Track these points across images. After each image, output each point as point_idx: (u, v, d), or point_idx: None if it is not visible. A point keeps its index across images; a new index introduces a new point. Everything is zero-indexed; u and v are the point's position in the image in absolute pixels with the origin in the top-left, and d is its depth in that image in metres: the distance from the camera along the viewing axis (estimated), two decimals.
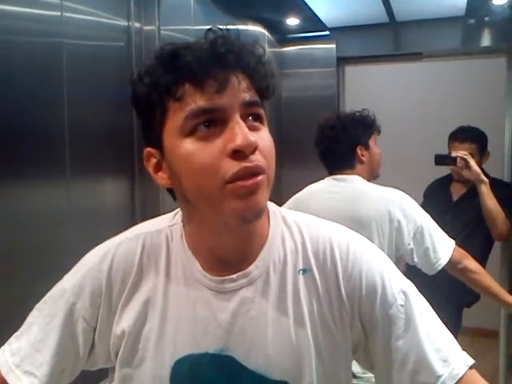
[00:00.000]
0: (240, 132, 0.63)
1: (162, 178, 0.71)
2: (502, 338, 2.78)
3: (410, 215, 1.66)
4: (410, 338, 0.71)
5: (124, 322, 0.74)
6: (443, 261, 1.66)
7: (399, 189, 1.76)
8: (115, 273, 0.75)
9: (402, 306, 0.72)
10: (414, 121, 3.60)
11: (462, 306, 2.49)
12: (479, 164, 2.34)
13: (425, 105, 3.65)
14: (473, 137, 2.45)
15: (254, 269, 0.72)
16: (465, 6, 2.38)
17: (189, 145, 0.64)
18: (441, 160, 2.38)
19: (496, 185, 2.34)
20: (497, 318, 2.78)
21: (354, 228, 1.60)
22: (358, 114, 1.80)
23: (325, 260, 0.74)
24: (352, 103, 2.88)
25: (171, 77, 0.64)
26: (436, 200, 2.49)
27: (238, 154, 0.63)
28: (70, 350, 0.76)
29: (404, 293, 0.73)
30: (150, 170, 0.72)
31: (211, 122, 0.64)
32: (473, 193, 2.36)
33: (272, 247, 0.74)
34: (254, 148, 0.63)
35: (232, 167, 0.63)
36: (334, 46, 2.82)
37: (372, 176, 1.83)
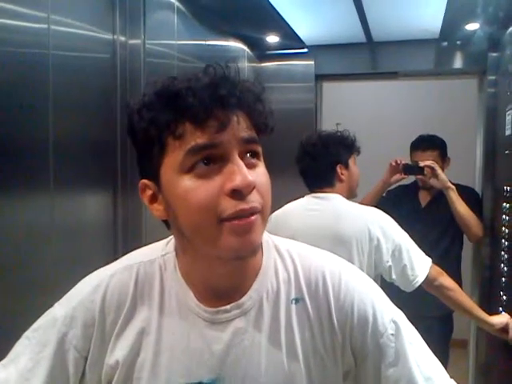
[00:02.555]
0: (239, 172, 0.64)
1: (157, 210, 0.72)
2: (472, 347, 2.86)
3: (389, 233, 1.70)
4: (400, 366, 0.73)
5: (118, 352, 0.74)
6: (420, 278, 1.71)
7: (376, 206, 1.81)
8: (109, 303, 0.75)
9: (392, 335, 0.74)
10: (389, 136, 3.68)
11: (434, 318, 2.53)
12: (442, 170, 2.43)
13: (399, 121, 3.76)
14: (434, 145, 2.54)
15: (248, 299, 0.73)
16: (439, 29, 2.47)
17: (187, 182, 0.65)
18: (409, 170, 2.46)
19: (463, 191, 2.45)
20: (467, 328, 2.86)
21: (335, 245, 1.68)
22: (339, 133, 1.84)
23: (317, 289, 0.75)
24: (329, 117, 2.95)
25: (172, 115, 0.65)
26: (404, 207, 2.54)
27: (236, 193, 0.64)
28: (60, 379, 0.75)
29: (395, 322, 0.75)
30: (145, 201, 0.72)
31: (210, 159, 0.65)
32: (438, 198, 2.49)
33: (265, 277, 0.75)
34: (252, 188, 0.65)
35: (230, 207, 0.64)
36: (312, 62, 2.88)
37: (350, 195, 1.87)
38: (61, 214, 1.40)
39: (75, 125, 1.49)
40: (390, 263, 1.69)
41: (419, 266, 1.71)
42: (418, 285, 1.71)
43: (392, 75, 2.83)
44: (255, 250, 0.69)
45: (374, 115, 3.88)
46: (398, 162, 2.47)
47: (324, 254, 0.81)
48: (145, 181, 0.71)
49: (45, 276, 1.31)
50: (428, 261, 1.75)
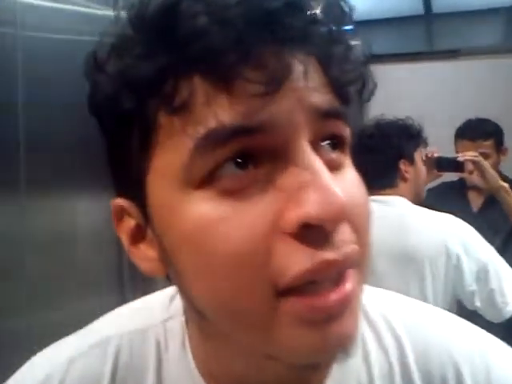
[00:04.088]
0: (315, 182, 0.31)
1: (144, 259, 0.38)
2: None
3: (473, 250, 1.35)
4: None
5: None
6: None
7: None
8: None
9: None
10: (445, 127, 3.26)
11: None
12: (496, 165, 1.89)
13: (458, 109, 3.31)
14: (487, 132, 1.94)
15: None
16: None
17: (202, 207, 0.32)
18: (444, 165, 1.82)
19: None
20: None
21: (401, 266, 1.31)
22: (401, 121, 1.50)
23: None
24: (378, 105, 2.55)
25: (164, 61, 0.32)
26: (450, 211, 2.05)
27: (312, 231, 0.31)
28: None
29: None
30: (123, 239, 0.39)
31: (249, 157, 0.32)
32: (494, 199, 1.89)
33: (346, 370, 0.42)
34: (343, 218, 0.31)
35: (297, 261, 0.31)
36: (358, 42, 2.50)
37: (416, 198, 1.52)
38: (35, 223, 1.17)
39: (51, 120, 1.23)
40: (473, 287, 1.35)
41: (511, 290, 1.35)
42: (509, 315, 1.35)
43: (452, 54, 2.42)
44: (349, 348, 0.34)
45: (427, 102, 3.45)
46: (429, 155, 1.77)
47: (450, 322, 0.47)
48: (120, 201, 0.38)
49: (15, 290, 1.10)
50: None
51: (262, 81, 0.30)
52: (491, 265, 1.35)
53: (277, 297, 0.31)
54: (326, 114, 0.33)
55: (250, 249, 0.31)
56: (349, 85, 0.35)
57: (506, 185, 1.78)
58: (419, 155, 1.52)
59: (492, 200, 1.96)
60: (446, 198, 2.05)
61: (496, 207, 1.92)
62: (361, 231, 0.33)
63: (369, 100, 0.37)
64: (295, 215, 0.30)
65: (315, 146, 0.33)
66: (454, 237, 1.35)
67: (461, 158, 1.82)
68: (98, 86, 0.35)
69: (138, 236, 0.38)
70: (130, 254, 0.38)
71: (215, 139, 0.31)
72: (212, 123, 0.31)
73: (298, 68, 0.32)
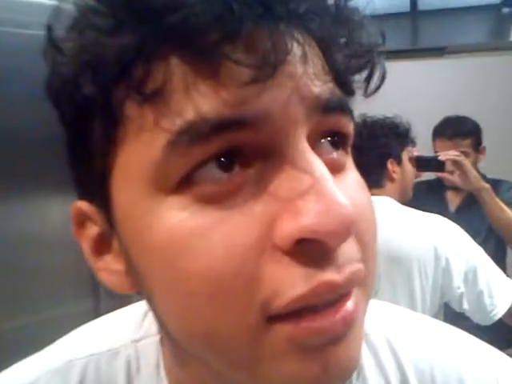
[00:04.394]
0: (319, 189, 0.26)
1: (110, 272, 0.33)
2: None
3: (462, 251, 1.32)
4: None
5: None
6: (501, 309, 1.32)
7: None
8: None
9: None
10: (430, 125, 3.23)
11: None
12: (474, 164, 1.81)
13: (444, 108, 3.29)
14: (465, 130, 1.87)
15: None
16: None
17: (177, 215, 0.27)
18: (424, 165, 1.71)
19: (497, 188, 1.81)
20: None
21: (389, 268, 1.28)
22: (388, 120, 1.46)
23: None
24: (362, 102, 2.51)
25: (135, 37, 0.26)
26: (428, 212, 1.97)
27: (310, 247, 0.26)
28: None
29: None
30: (84, 247, 0.33)
31: (235, 157, 0.27)
32: (472, 199, 1.85)
33: None
34: (350, 233, 0.26)
35: (293, 282, 0.26)
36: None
37: (402, 199, 1.48)
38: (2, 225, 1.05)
39: (19, 113, 1.13)
40: (461, 289, 1.32)
41: (500, 292, 1.32)
42: (497, 317, 1.32)
43: (438, 52, 2.39)
44: (349, 375, 0.29)
45: (412, 101, 3.42)
46: (409, 154, 1.66)
47: (458, 340, 0.43)
48: (82, 205, 0.33)
49: None
50: (511, 285, 1.35)
51: (252, 64, 0.25)
52: (480, 266, 1.31)
53: (266, 323, 0.26)
54: (328, 107, 0.28)
55: (235, 268, 0.26)
56: (354, 73, 0.30)
57: (487, 185, 1.72)
58: (406, 155, 1.49)
59: (469, 200, 1.93)
60: (424, 197, 1.96)
61: (473, 207, 1.88)
62: (367, 245, 0.28)
63: (375, 92, 0.32)
64: (292, 228, 0.25)
65: (314, 143, 0.28)
66: (443, 238, 1.32)
67: (442, 157, 1.75)
68: (55, 68, 0.30)
69: (102, 246, 0.33)
70: (94, 268, 0.33)
71: (194, 134, 0.26)
72: (191, 115, 0.26)
73: (295, 51, 0.27)
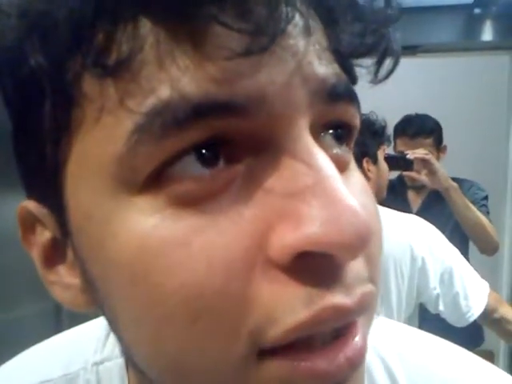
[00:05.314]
0: (326, 190, 0.20)
1: (63, 287, 0.27)
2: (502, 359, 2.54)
3: (438, 252, 1.30)
4: None
5: None
6: (476, 310, 1.31)
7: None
8: None
9: None
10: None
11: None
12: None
13: (416, 107, 3.30)
14: (427, 129, 1.86)
15: None
16: None
17: (147, 221, 0.21)
18: (392, 163, 1.67)
19: (464, 188, 1.80)
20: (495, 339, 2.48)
21: None
22: (364, 117, 1.42)
23: None
24: None
25: None
26: None
27: (312, 263, 0.20)
28: None
29: None
30: (34, 255, 0.27)
31: (220, 149, 0.21)
32: (433, 200, 1.87)
33: None
34: (364, 247, 0.20)
35: (291, 307, 0.20)
36: None
37: (378, 198, 1.45)
38: None
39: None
40: (437, 291, 1.30)
41: (475, 294, 1.31)
42: (472, 319, 1.31)
43: (410, 50, 2.38)
44: None
45: (384, 100, 3.41)
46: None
47: (453, 354, 0.39)
48: (30, 205, 0.27)
49: None
50: (486, 287, 1.35)
51: (245, 30, 0.20)
52: (456, 268, 1.30)
53: (256, 358, 0.21)
54: (335, 93, 0.23)
55: (218, 287, 0.20)
56: (361, 56, 0.25)
57: (455, 184, 1.72)
58: (382, 153, 1.46)
59: (430, 200, 1.93)
60: (386, 197, 1.81)
61: (435, 208, 1.88)
62: (374, 261, 0.23)
63: (386, 78, 0.27)
64: (292, 239, 0.20)
65: (316, 136, 0.23)
66: (419, 239, 1.30)
67: (410, 155, 1.73)
68: None
69: (54, 255, 0.27)
70: (44, 280, 0.27)
71: (170, 117, 0.20)
72: (166, 93, 0.20)
73: (297, 21, 0.22)
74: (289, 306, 0.20)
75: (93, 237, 0.23)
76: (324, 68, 0.23)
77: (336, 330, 0.21)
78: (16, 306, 1.04)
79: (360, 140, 1.21)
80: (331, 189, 0.20)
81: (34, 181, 0.27)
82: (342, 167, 0.24)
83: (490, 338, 2.37)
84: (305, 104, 0.22)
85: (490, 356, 2.59)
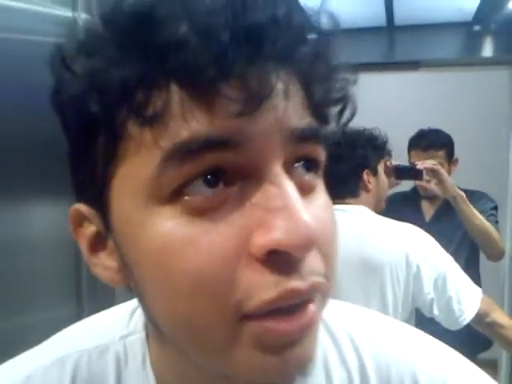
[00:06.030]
0: (288, 209, 0.30)
1: (103, 268, 0.37)
2: (504, 368, 2.54)
3: (432, 259, 1.37)
4: None
5: None
6: (469, 314, 1.37)
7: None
8: None
9: None
10: (404, 137, 3.32)
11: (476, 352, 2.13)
12: (448, 174, 1.92)
13: (418, 120, 3.38)
14: (439, 142, 1.99)
15: None
16: (474, 9, 2.11)
17: (168, 224, 0.31)
18: (402, 173, 1.83)
19: (473, 198, 1.90)
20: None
21: (362, 274, 1.32)
22: (367, 131, 1.50)
23: None
24: None
25: (139, 68, 0.30)
26: (404, 222, 2.02)
27: (280, 257, 0.30)
28: None
29: None
30: (82, 245, 0.37)
31: (220, 175, 0.31)
32: (446, 209, 1.98)
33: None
34: (311, 247, 0.31)
35: (263, 288, 0.30)
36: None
37: (376, 209, 1.53)
38: None
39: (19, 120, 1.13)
40: (431, 295, 1.36)
41: (468, 298, 1.37)
42: (465, 322, 1.37)
43: (413, 65, 2.47)
44: (305, 369, 0.34)
45: (388, 113, 3.51)
46: (388, 163, 1.75)
47: (413, 336, 0.47)
48: (80, 207, 0.37)
49: None
50: (478, 292, 1.41)
51: (242, 100, 0.29)
52: (449, 273, 1.36)
53: (239, 320, 0.31)
54: (304, 137, 0.32)
55: (216, 272, 0.30)
56: (330, 106, 0.34)
57: (462, 193, 1.82)
58: (382, 166, 1.53)
59: (443, 210, 2.04)
60: (400, 208, 2.07)
61: (447, 217, 1.99)
62: (328, 258, 0.33)
63: (349, 122, 0.36)
64: (265, 240, 0.30)
65: (289, 167, 0.32)
66: (415, 246, 1.36)
67: (419, 166, 1.84)
68: (63, 84, 0.33)
69: (97, 244, 0.37)
70: (89, 262, 0.37)
71: (186, 152, 0.29)
72: (185, 135, 0.29)
73: (279, 87, 0.31)
74: (263, 286, 0.30)
75: (130, 234, 0.33)
76: (296, 120, 0.32)
77: (296, 305, 0.31)
78: (41, 310, 1.11)
79: (361, 153, 1.29)
80: (292, 208, 0.30)
81: (84, 191, 0.36)
82: (308, 189, 0.34)
83: (494, 346, 2.43)
84: (279, 147, 0.31)
85: (493, 364, 2.63)
